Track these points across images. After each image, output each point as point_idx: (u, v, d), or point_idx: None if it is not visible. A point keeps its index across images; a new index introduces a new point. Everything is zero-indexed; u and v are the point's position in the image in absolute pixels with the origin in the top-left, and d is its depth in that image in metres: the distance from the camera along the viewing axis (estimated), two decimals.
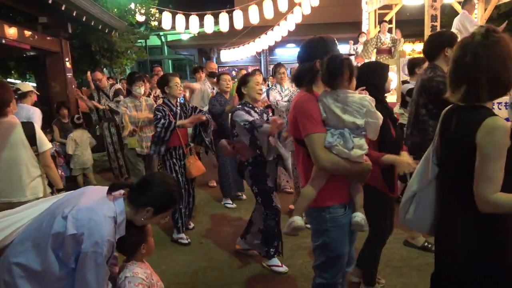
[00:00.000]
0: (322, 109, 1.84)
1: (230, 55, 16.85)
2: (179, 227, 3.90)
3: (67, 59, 5.91)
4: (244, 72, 8.31)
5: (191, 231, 4.21)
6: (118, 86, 5.56)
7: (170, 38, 20.53)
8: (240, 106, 3.23)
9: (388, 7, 8.58)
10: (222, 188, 5.00)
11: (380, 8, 8.53)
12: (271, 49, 16.61)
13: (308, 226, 2.10)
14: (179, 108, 3.80)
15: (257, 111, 3.26)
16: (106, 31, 6.44)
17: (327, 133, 1.81)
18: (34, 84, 8.62)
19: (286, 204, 4.54)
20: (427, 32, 6.08)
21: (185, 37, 18.39)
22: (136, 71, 5.17)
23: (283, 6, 9.72)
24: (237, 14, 9.98)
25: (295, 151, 2.06)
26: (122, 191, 1.82)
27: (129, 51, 9.07)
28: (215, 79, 5.57)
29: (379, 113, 1.86)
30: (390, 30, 8.63)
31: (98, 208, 1.68)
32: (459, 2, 8.24)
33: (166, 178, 1.92)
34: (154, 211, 1.79)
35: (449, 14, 10.06)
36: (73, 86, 6.27)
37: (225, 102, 4.70)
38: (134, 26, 10.08)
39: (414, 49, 16.82)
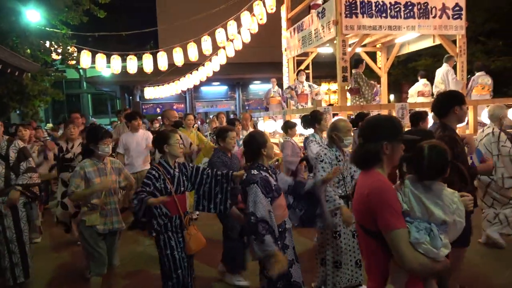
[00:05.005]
0: (406, 199, 1.70)
1: (155, 93, 16.65)
2: None
3: None
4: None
5: None
6: (21, 143, 3.96)
7: (89, 72, 19.66)
8: (255, 172, 2.62)
9: (305, 54, 9.27)
10: (229, 262, 3.88)
11: (297, 56, 9.18)
12: (196, 87, 16.76)
13: None
14: (177, 169, 3.21)
15: (272, 172, 2.79)
16: (16, 74, 5.97)
17: (411, 227, 1.63)
18: None
19: None
20: (340, 82, 6.68)
21: (106, 72, 17.80)
22: (100, 125, 4.23)
23: (207, 49, 9.97)
24: (161, 55, 9.98)
25: (363, 241, 1.80)
26: None
27: (42, 94, 8.43)
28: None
29: (464, 212, 1.74)
30: (307, 76, 9.28)
31: None
32: (366, 52, 9.29)
33: None
34: None
35: (358, 59, 11.19)
36: None
37: (229, 161, 3.90)
38: (50, 63, 9.47)
39: (330, 88, 18.29)
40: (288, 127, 5.27)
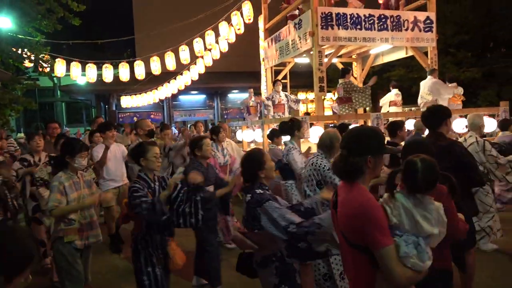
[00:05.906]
0: (395, 212, 1.71)
1: (131, 101, 16.42)
2: None
3: None
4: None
5: None
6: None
7: (64, 80, 19.20)
8: (260, 191, 2.49)
9: (283, 64, 9.38)
10: (211, 276, 3.80)
11: (275, 66, 9.28)
12: (174, 96, 16.65)
13: None
14: (157, 183, 3.10)
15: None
16: None
17: (400, 241, 1.66)
18: None
19: None
20: (316, 92, 6.80)
21: (81, 80, 17.46)
22: (77, 139, 4.11)
23: (185, 58, 9.95)
24: (138, 64, 9.87)
25: (349, 255, 1.77)
26: None
27: (13, 103, 8.12)
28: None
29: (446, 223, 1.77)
30: (285, 86, 9.39)
31: None
32: (341, 62, 9.49)
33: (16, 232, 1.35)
34: (6, 279, 1.25)
35: (334, 69, 11.41)
36: None
37: (205, 172, 3.77)
38: (22, 71, 9.19)
39: (307, 97, 18.51)
40: (274, 135, 5.28)
